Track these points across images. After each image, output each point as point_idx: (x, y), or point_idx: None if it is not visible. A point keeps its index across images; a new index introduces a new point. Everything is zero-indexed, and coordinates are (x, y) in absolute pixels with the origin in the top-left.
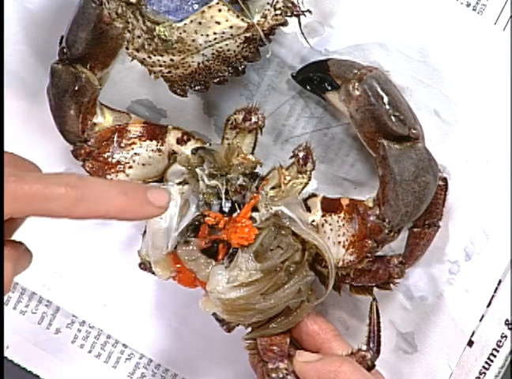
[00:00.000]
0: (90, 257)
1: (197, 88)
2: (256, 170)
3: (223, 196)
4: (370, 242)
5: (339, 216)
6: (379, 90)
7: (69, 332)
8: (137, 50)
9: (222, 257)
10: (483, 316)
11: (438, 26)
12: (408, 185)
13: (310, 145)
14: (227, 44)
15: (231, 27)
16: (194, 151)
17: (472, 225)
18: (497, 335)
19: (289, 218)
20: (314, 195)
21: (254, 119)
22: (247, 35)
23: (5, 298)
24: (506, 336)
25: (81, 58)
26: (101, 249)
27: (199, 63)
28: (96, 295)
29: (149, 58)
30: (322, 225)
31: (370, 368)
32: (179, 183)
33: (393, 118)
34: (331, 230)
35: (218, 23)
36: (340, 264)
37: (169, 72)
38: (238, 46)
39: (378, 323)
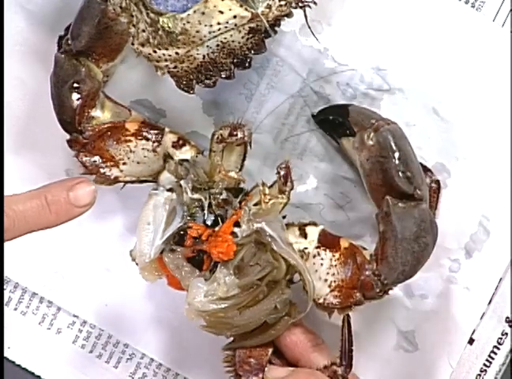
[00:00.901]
0: (91, 257)
1: (205, 82)
2: (241, 186)
3: (206, 209)
4: (358, 294)
5: (333, 255)
6: (393, 144)
7: (71, 332)
8: (143, 45)
9: (207, 267)
10: (483, 314)
11: (436, 23)
12: (409, 244)
13: (290, 164)
14: (231, 35)
15: (234, 16)
16: (181, 162)
17: (472, 223)
18: (498, 333)
19: (270, 236)
20: (314, 223)
21: (239, 135)
22: (252, 25)
23: (6, 298)
24: (506, 334)
25: (84, 51)
26: (102, 249)
27: (204, 56)
28: (97, 295)
29: (154, 52)
30: (314, 256)
31: None
32: (169, 190)
33: (400, 174)
34: (321, 264)
35: (221, 12)
36: (321, 301)
37: (175, 67)
38: (242, 37)
39: (350, 338)
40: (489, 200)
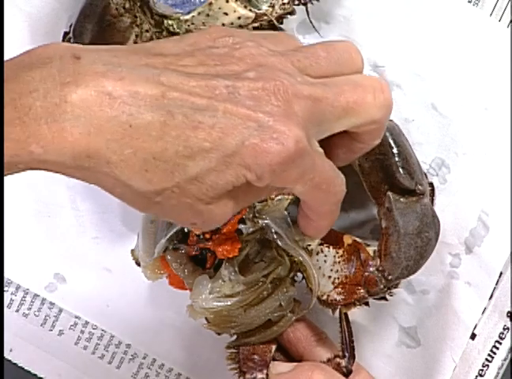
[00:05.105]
0: (92, 257)
1: None
2: None
3: None
4: (362, 290)
5: (337, 252)
6: (391, 141)
7: (73, 333)
8: None
9: (210, 265)
10: (485, 308)
11: (433, 18)
12: (412, 239)
13: None
14: None
15: (239, 18)
16: None
17: (472, 218)
18: (499, 328)
19: (275, 232)
20: None
21: None
22: (256, 25)
23: (8, 300)
24: (508, 328)
25: None
26: (103, 249)
27: None
28: (99, 296)
29: None
30: (317, 253)
31: (346, 374)
32: None
33: (401, 170)
34: (325, 261)
35: (226, 14)
36: (325, 298)
37: None
38: None
39: (349, 329)
40: (488, 196)
